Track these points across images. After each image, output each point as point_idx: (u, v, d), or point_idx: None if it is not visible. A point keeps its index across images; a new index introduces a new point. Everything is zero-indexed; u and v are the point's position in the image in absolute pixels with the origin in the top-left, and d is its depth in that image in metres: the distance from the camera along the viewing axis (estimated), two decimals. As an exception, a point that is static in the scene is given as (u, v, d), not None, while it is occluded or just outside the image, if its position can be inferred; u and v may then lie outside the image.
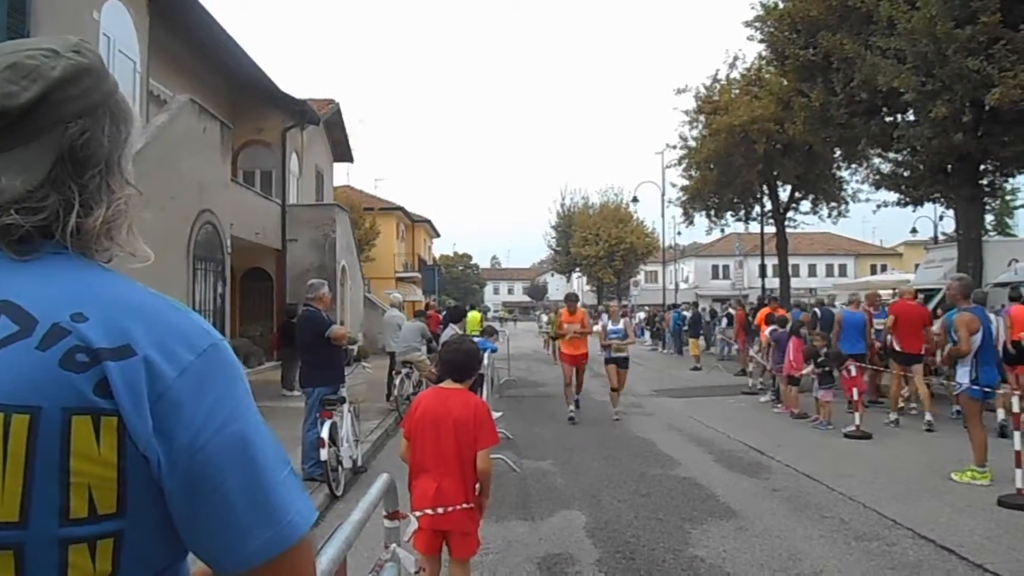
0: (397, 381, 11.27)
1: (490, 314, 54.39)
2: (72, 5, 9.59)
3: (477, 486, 3.59)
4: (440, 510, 3.44)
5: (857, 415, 9.37)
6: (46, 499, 0.76)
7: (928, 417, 9.66)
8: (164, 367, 0.81)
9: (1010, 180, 16.73)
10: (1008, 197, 31.94)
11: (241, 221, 14.44)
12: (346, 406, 7.16)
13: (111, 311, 0.83)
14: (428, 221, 45.40)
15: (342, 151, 26.41)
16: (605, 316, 11.35)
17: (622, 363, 10.94)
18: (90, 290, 0.85)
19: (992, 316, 8.31)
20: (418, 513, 3.37)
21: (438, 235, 51.76)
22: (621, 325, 11.06)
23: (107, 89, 0.93)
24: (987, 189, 14.83)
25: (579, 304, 12.06)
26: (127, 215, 0.95)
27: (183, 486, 0.81)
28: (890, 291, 16.85)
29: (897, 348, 10.52)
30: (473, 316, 20.32)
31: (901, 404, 10.38)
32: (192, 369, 0.84)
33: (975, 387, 6.95)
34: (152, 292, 0.89)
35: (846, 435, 9.22)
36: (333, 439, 6.58)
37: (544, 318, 33.24)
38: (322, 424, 6.50)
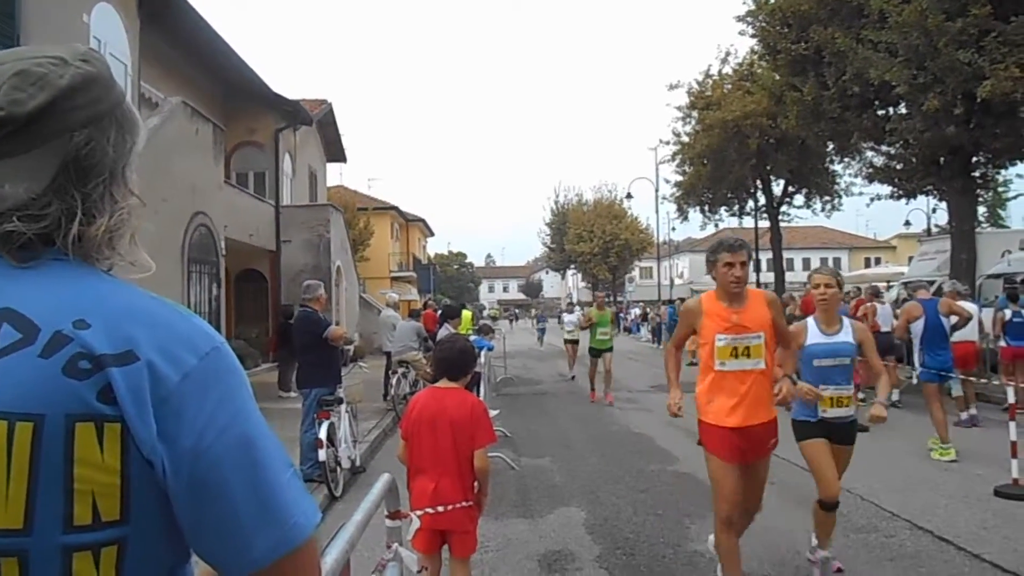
0: (394, 381, 11.26)
1: (485, 312, 54.06)
2: (62, 8, 9.54)
3: (475, 484, 3.59)
4: (440, 508, 3.45)
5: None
6: (50, 506, 0.76)
7: None
8: (167, 371, 0.81)
9: (1002, 172, 16.79)
10: (1000, 188, 32.04)
11: (235, 223, 14.40)
12: (343, 406, 7.15)
13: (113, 317, 0.82)
14: (422, 220, 45.39)
15: (335, 151, 26.35)
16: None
17: (846, 436, 4.89)
18: (92, 297, 0.84)
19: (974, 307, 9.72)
20: (420, 512, 3.37)
21: (432, 234, 51.74)
22: (847, 335, 4.65)
23: (114, 99, 0.93)
24: (979, 181, 14.91)
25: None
26: (130, 225, 0.94)
27: (187, 490, 0.81)
28: (884, 283, 16.91)
29: None
30: (465, 315, 20.25)
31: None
32: (195, 373, 0.83)
33: (925, 370, 8.21)
34: (153, 296, 0.89)
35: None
36: (331, 440, 6.58)
37: (574, 316, 17.32)
38: (320, 425, 6.50)
